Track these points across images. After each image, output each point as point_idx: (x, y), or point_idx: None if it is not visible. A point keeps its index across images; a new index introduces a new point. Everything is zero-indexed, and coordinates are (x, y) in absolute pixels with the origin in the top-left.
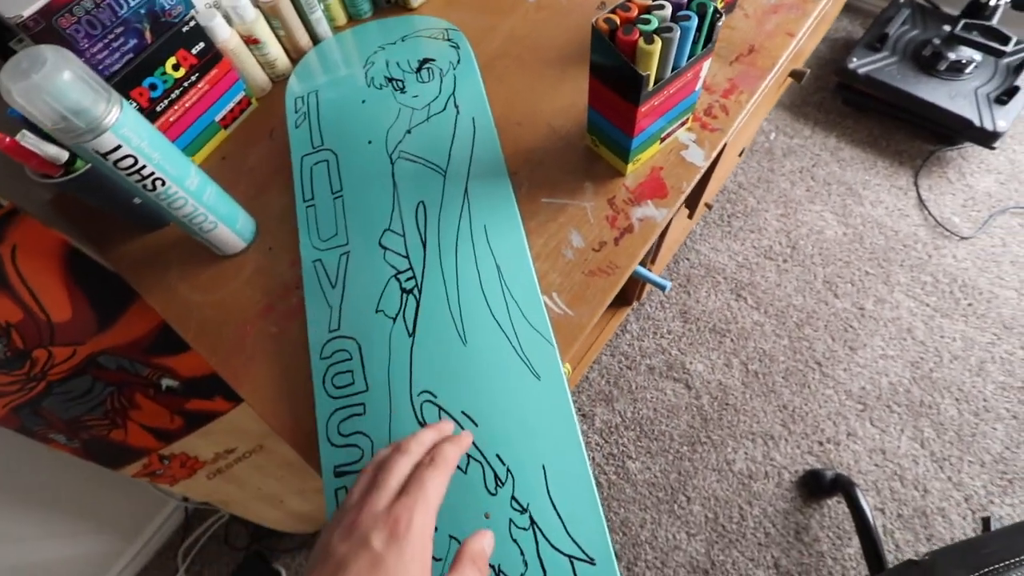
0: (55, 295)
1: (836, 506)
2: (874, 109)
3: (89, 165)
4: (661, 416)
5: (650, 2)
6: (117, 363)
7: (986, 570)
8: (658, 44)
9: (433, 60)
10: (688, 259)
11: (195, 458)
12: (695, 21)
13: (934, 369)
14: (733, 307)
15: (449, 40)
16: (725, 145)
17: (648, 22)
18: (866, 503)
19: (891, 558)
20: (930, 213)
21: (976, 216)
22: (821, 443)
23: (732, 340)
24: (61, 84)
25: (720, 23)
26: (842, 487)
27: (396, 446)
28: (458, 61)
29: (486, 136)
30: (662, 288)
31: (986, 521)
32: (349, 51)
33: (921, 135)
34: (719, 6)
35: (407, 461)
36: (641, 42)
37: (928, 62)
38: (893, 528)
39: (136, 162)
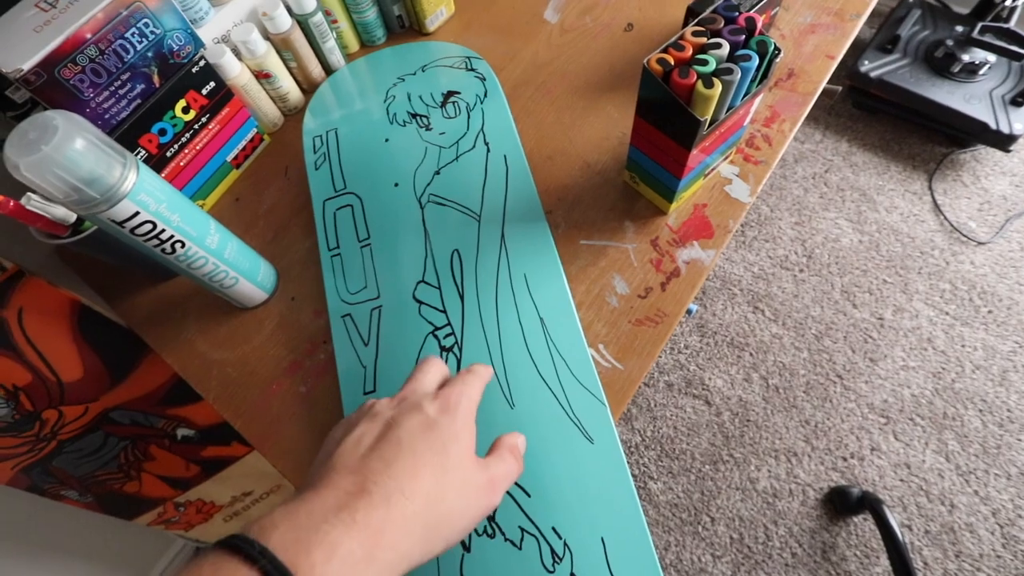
0: (65, 355)
1: (862, 523)
2: (885, 112)
3: None
4: (681, 434)
5: (705, 40)
6: (131, 417)
7: None
8: (718, 88)
9: (459, 93)
10: None
11: (211, 503)
12: (755, 61)
13: (956, 380)
14: (751, 320)
15: (473, 70)
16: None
17: (705, 63)
18: (894, 521)
19: None
20: (946, 218)
21: (992, 220)
22: (845, 459)
23: (751, 354)
24: (73, 154)
25: (779, 60)
26: (869, 505)
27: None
28: (485, 94)
29: (520, 175)
30: (688, 312)
31: None
32: (365, 82)
33: (934, 138)
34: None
35: (436, 369)
36: (699, 86)
37: (941, 64)
38: (921, 545)
39: (155, 227)
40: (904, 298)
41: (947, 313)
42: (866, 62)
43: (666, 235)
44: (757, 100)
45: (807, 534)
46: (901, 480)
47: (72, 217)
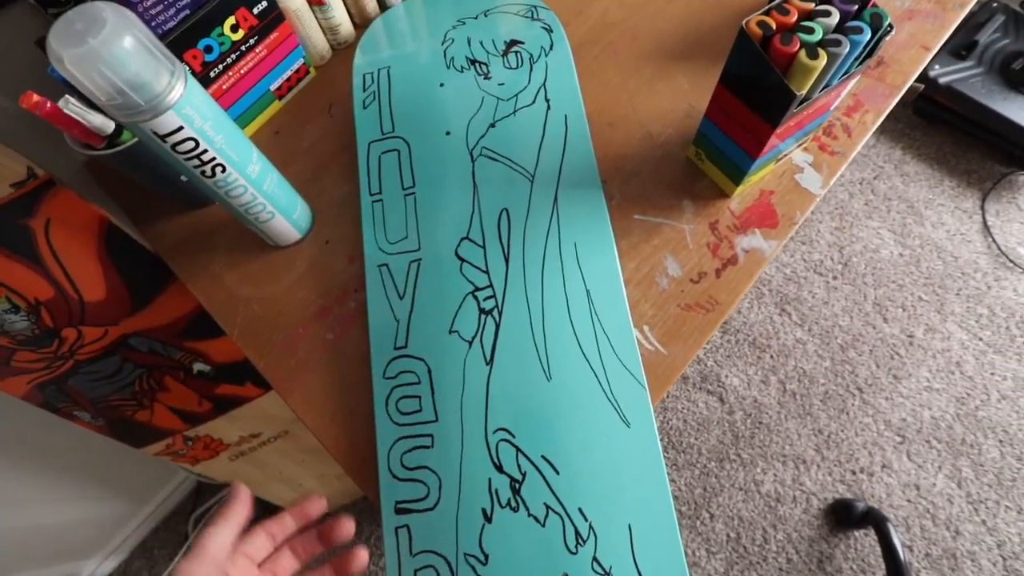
0: (89, 273)
1: (863, 538)
2: (948, 122)
3: (136, 138)
4: (691, 428)
5: (813, 6)
6: (149, 345)
7: None
8: (823, 60)
9: (522, 43)
10: None
11: (219, 440)
12: (867, 35)
13: (980, 407)
14: (776, 322)
15: (539, 20)
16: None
17: (811, 31)
18: (898, 541)
19: None
20: (994, 241)
21: None
22: (854, 472)
23: (772, 356)
24: (121, 52)
25: (889, 38)
26: (874, 521)
27: None
28: (551, 47)
29: (579, 138)
30: None
31: None
32: (420, 22)
33: (995, 155)
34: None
35: None
36: (802, 55)
37: (1018, 77)
38: (920, 567)
39: (197, 146)
40: (938, 318)
41: (980, 339)
42: (936, 66)
43: (727, 219)
44: (852, 82)
45: (805, 542)
46: (908, 500)
47: (110, 127)
